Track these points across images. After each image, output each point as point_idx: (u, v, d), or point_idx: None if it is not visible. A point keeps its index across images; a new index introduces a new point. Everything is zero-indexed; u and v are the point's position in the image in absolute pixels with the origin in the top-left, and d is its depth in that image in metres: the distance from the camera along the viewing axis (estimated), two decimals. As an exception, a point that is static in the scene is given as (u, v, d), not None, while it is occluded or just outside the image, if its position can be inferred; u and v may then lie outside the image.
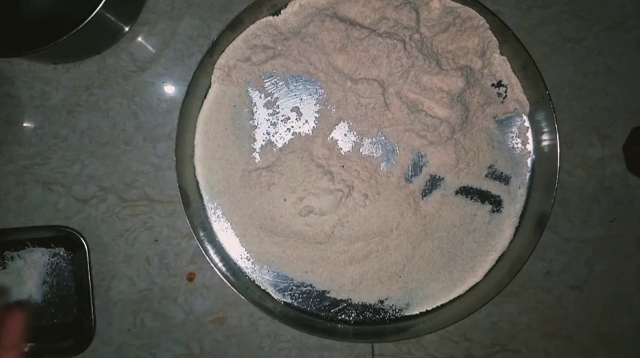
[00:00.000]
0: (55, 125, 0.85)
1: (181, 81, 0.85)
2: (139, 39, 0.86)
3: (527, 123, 0.81)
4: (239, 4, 0.84)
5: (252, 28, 0.81)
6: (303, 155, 0.79)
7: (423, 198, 0.81)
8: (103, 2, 0.70)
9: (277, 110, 0.81)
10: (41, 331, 0.84)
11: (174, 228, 0.86)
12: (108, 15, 0.75)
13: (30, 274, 0.84)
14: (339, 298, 0.82)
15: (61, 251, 0.84)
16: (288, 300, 0.82)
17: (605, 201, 0.86)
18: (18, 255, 0.84)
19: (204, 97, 0.82)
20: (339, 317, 0.82)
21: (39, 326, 0.84)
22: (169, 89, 0.86)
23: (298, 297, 0.82)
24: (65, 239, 0.84)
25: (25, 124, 0.85)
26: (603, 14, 0.86)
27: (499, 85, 0.81)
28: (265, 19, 0.81)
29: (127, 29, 0.84)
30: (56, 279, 0.84)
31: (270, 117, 0.81)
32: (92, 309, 0.82)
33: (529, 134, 0.81)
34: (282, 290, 0.82)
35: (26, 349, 0.82)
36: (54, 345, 0.84)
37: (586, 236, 0.86)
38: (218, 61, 0.81)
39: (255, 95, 0.81)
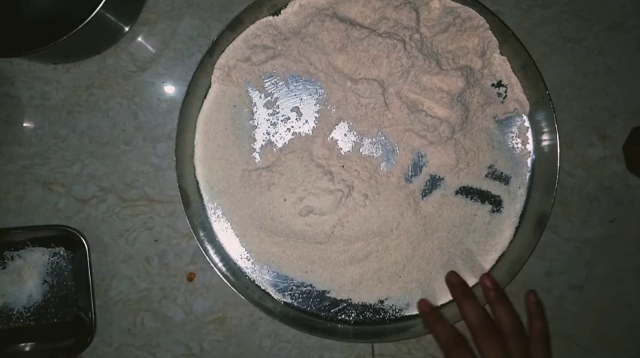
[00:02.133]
0: (55, 125, 0.85)
1: (181, 81, 0.85)
2: (139, 39, 0.86)
3: (527, 123, 0.81)
4: (239, 4, 0.84)
5: (252, 28, 0.81)
6: (303, 155, 0.79)
7: (423, 198, 0.81)
8: (103, 2, 0.70)
9: (277, 110, 0.81)
10: (42, 331, 0.84)
11: (174, 228, 0.85)
12: (108, 15, 0.75)
13: (30, 274, 0.84)
14: (339, 298, 0.82)
15: (61, 250, 0.84)
16: (288, 300, 0.82)
17: (605, 201, 0.86)
18: (18, 255, 0.84)
19: (204, 97, 0.82)
20: (339, 317, 0.82)
21: (39, 325, 0.84)
22: (169, 89, 0.86)
23: (298, 297, 0.82)
24: (65, 238, 0.84)
25: (25, 124, 0.85)
26: (603, 14, 0.86)
27: (499, 85, 0.81)
28: (265, 19, 0.81)
29: (126, 29, 0.84)
30: (56, 279, 0.84)
31: (270, 117, 0.81)
32: (93, 308, 0.82)
33: (529, 134, 0.81)
34: (282, 290, 0.82)
35: (27, 348, 0.83)
36: (54, 344, 0.84)
37: (586, 236, 0.86)
38: (218, 61, 0.81)
39: (255, 95, 0.81)
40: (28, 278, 0.84)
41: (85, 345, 0.82)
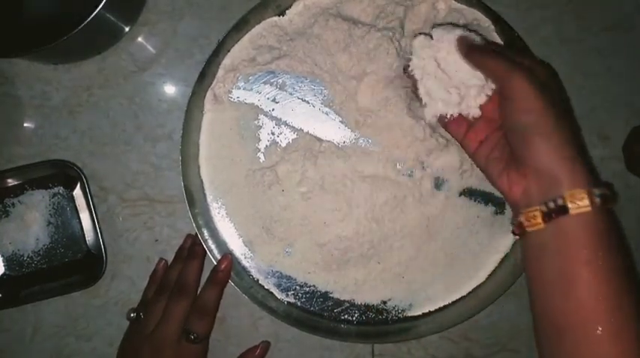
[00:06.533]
0: (55, 125, 0.85)
1: (182, 81, 0.85)
2: (140, 39, 0.85)
3: (531, 125, 0.81)
4: (239, 5, 0.83)
5: (257, 28, 0.80)
6: (307, 155, 0.79)
7: (426, 199, 0.80)
8: (103, 2, 0.70)
9: (282, 110, 0.81)
10: (54, 271, 0.84)
11: (174, 228, 0.85)
12: (108, 15, 0.75)
13: (33, 217, 0.83)
14: (342, 298, 0.82)
15: (60, 189, 0.84)
16: (292, 300, 0.82)
17: (605, 201, 0.86)
18: (18, 201, 0.83)
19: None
20: (342, 318, 0.82)
21: (51, 267, 0.84)
22: (170, 89, 0.86)
23: (301, 297, 0.82)
24: (62, 176, 0.84)
25: (25, 124, 0.85)
26: (603, 14, 0.86)
27: (504, 86, 0.81)
28: (271, 19, 0.81)
29: (127, 29, 0.84)
30: (60, 219, 0.84)
31: (275, 118, 0.81)
32: (101, 242, 0.83)
33: (533, 136, 0.81)
34: (285, 290, 0.82)
35: (41, 288, 0.85)
36: (67, 281, 0.85)
37: (586, 236, 0.86)
38: (223, 61, 0.80)
39: (260, 96, 0.81)
40: (32, 222, 0.83)
41: (97, 278, 0.83)
